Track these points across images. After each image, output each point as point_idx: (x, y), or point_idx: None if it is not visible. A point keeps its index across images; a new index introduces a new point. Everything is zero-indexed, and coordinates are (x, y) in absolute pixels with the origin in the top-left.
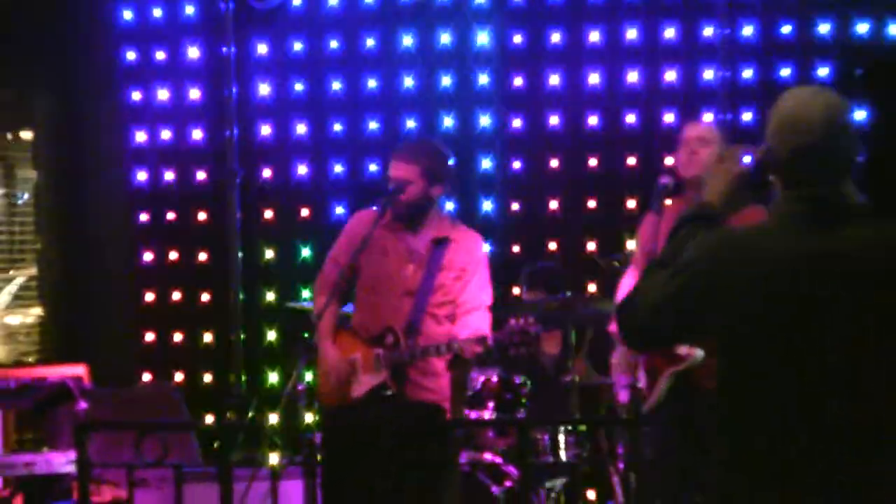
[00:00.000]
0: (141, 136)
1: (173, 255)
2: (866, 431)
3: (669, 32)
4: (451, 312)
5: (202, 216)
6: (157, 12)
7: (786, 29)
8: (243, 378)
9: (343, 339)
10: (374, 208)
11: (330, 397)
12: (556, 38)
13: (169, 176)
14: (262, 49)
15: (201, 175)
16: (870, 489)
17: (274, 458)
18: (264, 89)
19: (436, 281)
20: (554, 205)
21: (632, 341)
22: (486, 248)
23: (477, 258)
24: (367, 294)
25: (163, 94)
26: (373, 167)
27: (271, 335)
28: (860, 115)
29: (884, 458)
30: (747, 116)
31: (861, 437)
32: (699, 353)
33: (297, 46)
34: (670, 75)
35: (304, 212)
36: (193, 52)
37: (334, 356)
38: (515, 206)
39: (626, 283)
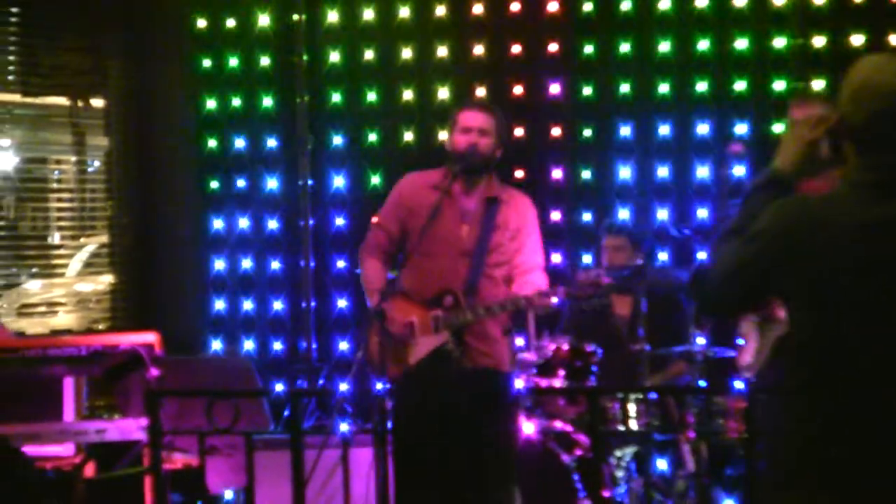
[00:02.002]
0: (211, 103)
1: (244, 223)
2: None
3: (740, 0)
4: (506, 274)
5: (272, 183)
6: None
7: None
8: (314, 345)
9: (396, 304)
10: (424, 172)
11: (387, 364)
12: (625, 6)
13: (239, 143)
14: (331, 16)
15: (272, 142)
16: None
17: (344, 426)
18: (334, 56)
19: (491, 240)
20: (624, 172)
21: (706, 308)
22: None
23: (530, 219)
24: (420, 257)
25: (233, 61)
26: (442, 134)
27: (342, 302)
28: None
29: None
30: (819, 84)
31: None
32: None
33: (367, 14)
34: (741, 43)
35: (375, 179)
36: (263, 20)
37: (392, 318)
38: (586, 174)
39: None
